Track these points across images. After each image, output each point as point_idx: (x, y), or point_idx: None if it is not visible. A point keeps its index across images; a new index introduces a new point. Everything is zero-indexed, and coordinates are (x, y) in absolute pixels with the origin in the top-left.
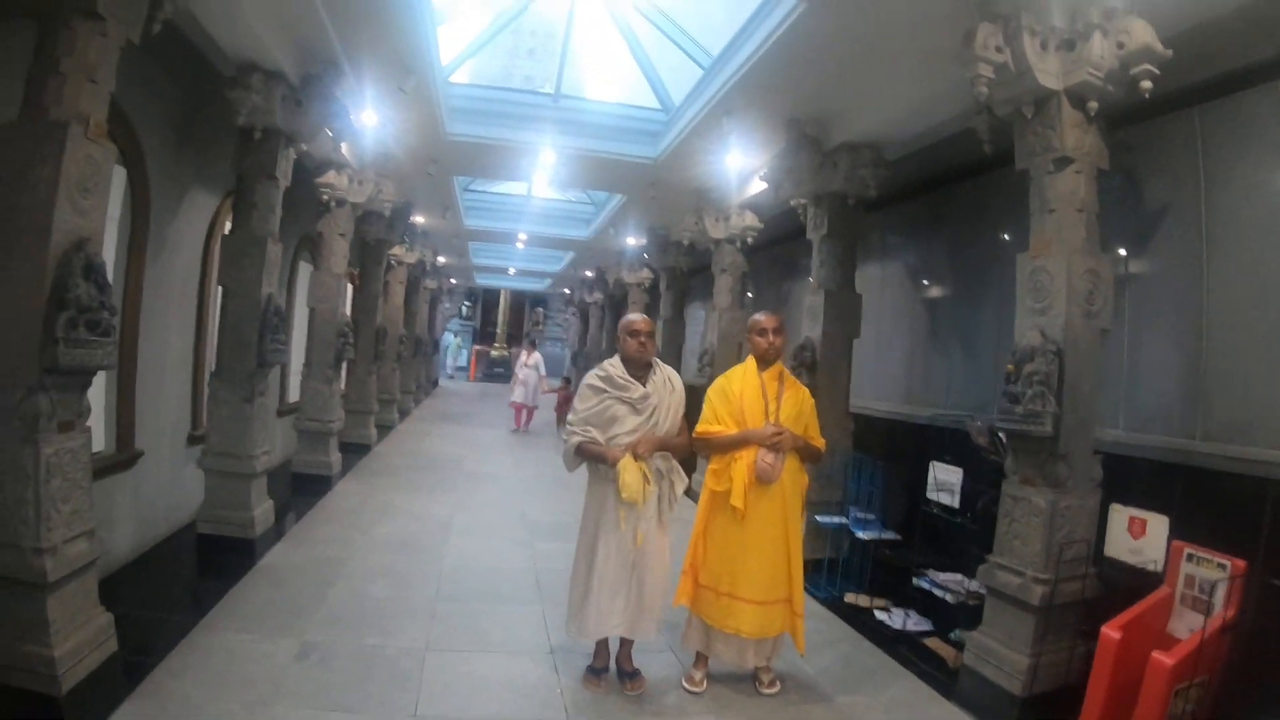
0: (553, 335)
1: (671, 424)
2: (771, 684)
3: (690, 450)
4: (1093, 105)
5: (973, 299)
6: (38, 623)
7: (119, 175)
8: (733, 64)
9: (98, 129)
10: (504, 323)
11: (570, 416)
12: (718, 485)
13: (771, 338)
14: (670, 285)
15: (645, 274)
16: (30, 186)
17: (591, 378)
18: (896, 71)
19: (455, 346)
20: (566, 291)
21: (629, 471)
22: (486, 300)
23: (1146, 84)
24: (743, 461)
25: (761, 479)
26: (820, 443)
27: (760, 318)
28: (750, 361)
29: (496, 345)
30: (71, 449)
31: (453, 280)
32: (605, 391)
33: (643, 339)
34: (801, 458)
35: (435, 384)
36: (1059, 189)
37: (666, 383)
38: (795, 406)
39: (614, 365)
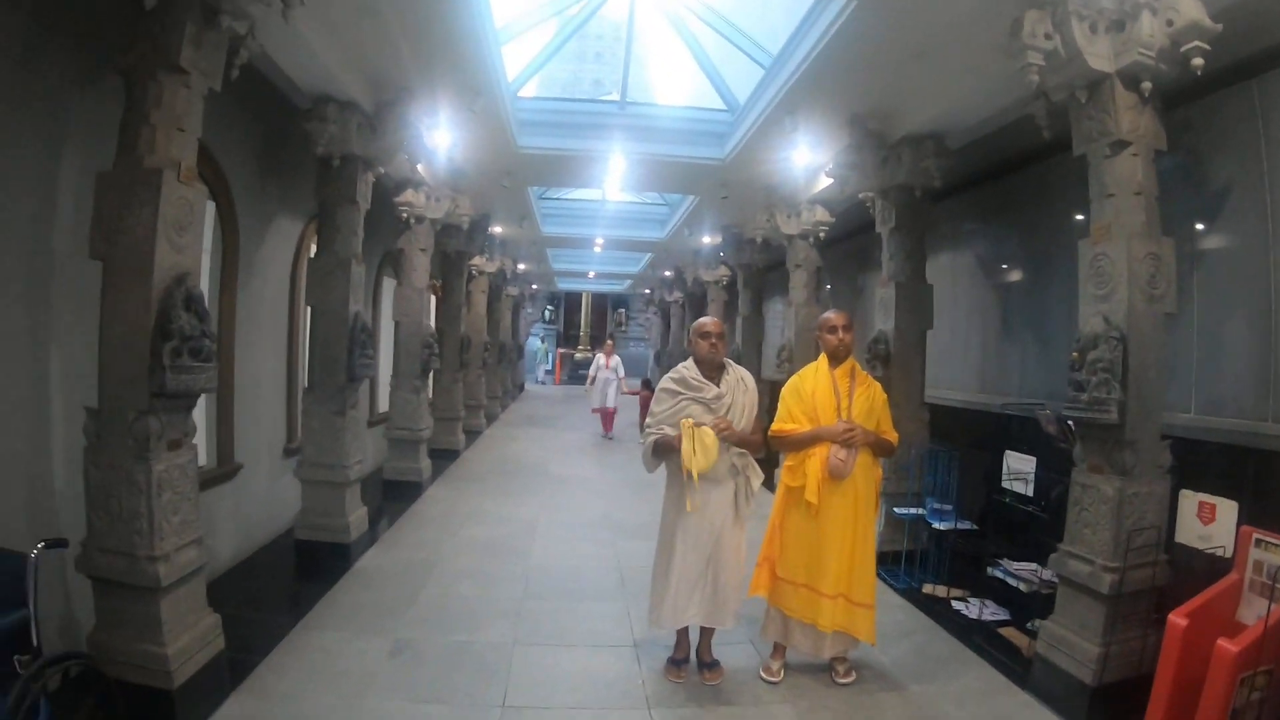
0: (635, 335)
1: (746, 422)
2: (847, 674)
3: (765, 447)
4: (1146, 86)
5: (1043, 285)
6: (152, 624)
7: (208, 208)
8: (791, 64)
9: (188, 173)
10: (587, 325)
11: (647, 419)
12: (793, 481)
13: (841, 335)
14: (747, 282)
15: (723, 271)
16: (130, 228)
17: (666, 381)
18: (952, 63)
19: (543, 352)
20: (647, 291)
21: (687, 438)
22: (569, 303)
23: (1198, 61)
24: (816, 458)
25: (834, 474)
26: (894, 437)
27: (829, 315)
28: (822, 359)
29: (581, 347)
30: (180, 465)
31: (534, 286)
32: (680, 393)
33: (714, 340)
34: (874, 452)
35: (521, 388)
36: (1116, 173)
37: (740, 383)
38: (867, 402)
39: (688, 368)
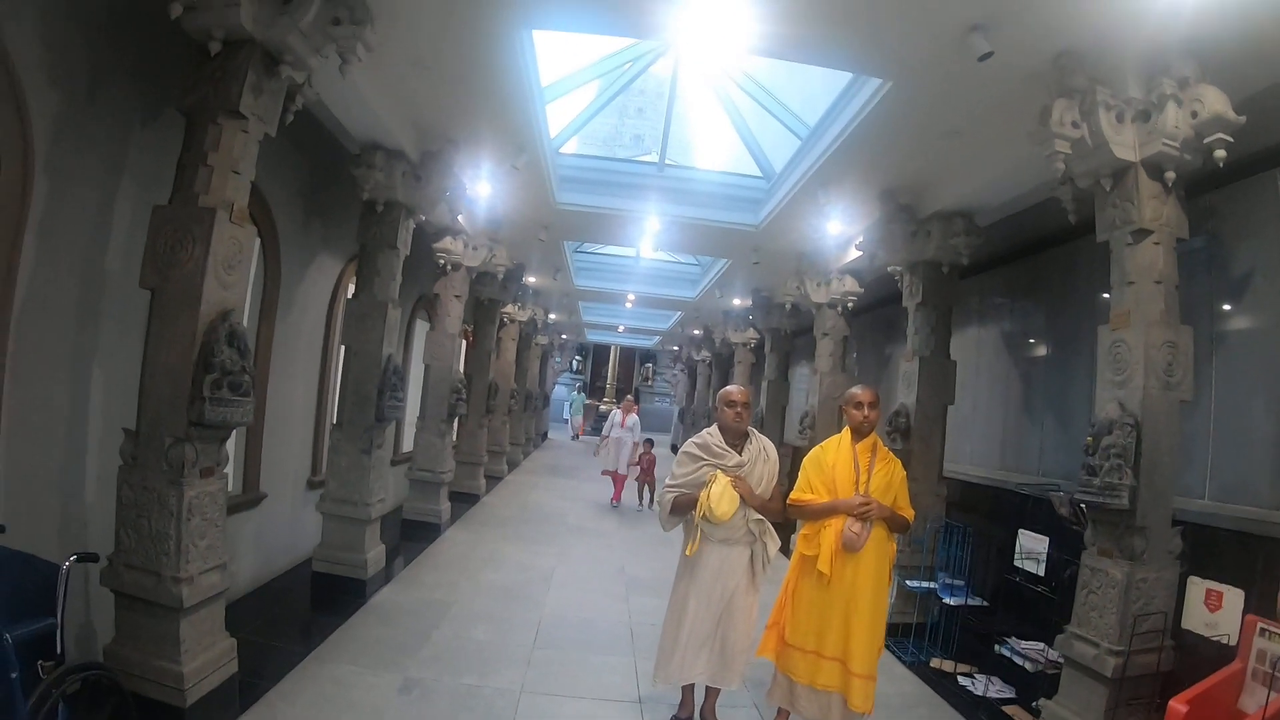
0: (661, 391)
1: (764, 490)
2: None
3: (783, 515)
4: (1170, 175)
5: (1066, 364)
6: (171, 642)
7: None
8: (826, 138)
9: (240, 214)
10: (613, 377)
11: (668, 480)
12: (808, 549)
13: (867, 411)
14: (774, 347)
15: (751, 334)
16: (182, 262)
17: (690, 446)
18: (983, 144)
19: (578, 403)
20: (675, 349)
21: (719, 483)
22: (597, 355)
23: (1221, 153)
24: (831, 529)
25: (847, 547)
26: (909, 514)
27: (857, 391)
28: (846, 432)
29: (606, 400)
30: (210, 492)
31: (564, 336)
32: (702, 459)
33: (739, 409)
34: (889, 528)
35: (544, 436)
36: (1138, 261)
37: (762, 452)
38: (885, 478)
39: (712, 434)
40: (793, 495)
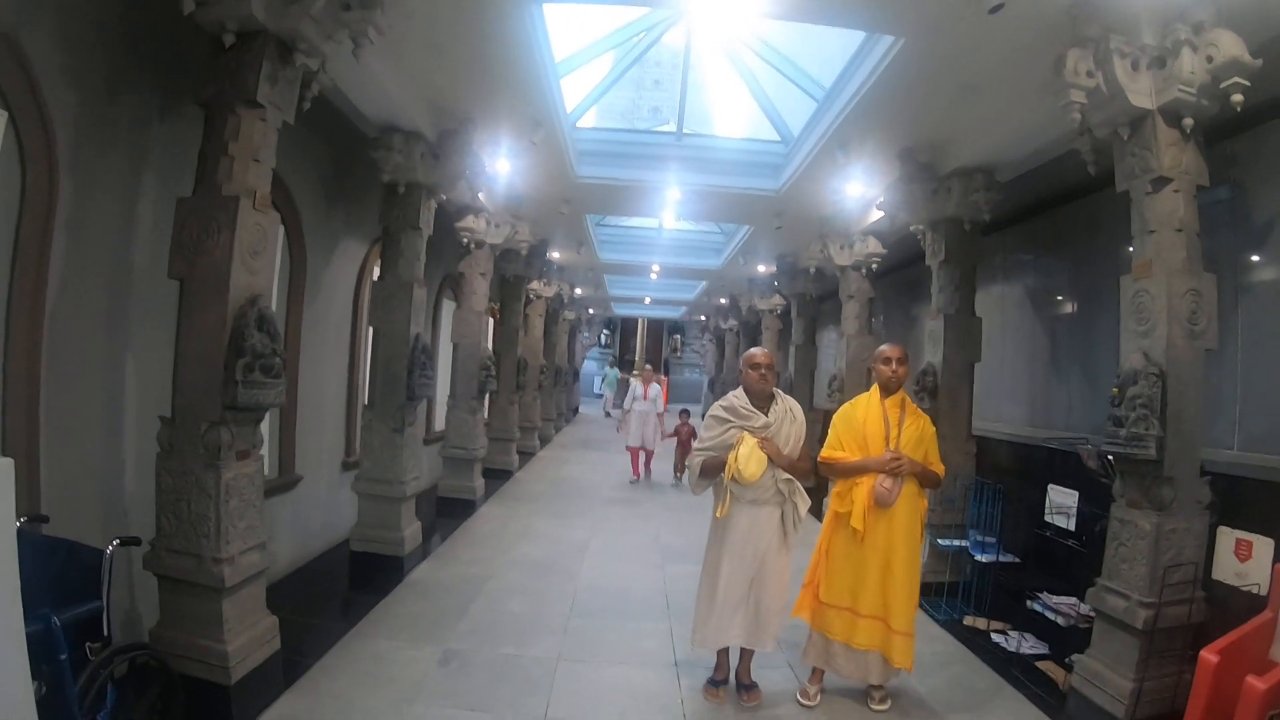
0: (690, 362)
1: (792, 450)
2: (882, 700)
3: (811, 475)
4: (1188, 122)
5: (1092, 318)
6: (214, 621)
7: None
8: (842, 98)
9: (263, 201)
10: (642, 350)
11: (695, 444)
12: (840, 506)
13: (895, 367)
14: (801, 312)
15: (777, 300)
16: (208, 251)
17: (716, 409)
18: (1000, 98)
19: (611, 378)
20: (702, 318)
21: (746, 444)
22: (625, 328)
23: (1238, 97)
24: (863, 486)
25: (879, 503)
26: (940, 469)
27: (885, 348)
28: (874, 390)
29: (636, 372)
30: (247, 474)
31: (591, 310)
32: (729, 421)
33: (763, 371)
34: (920, 483)
35: (576, 411)
36: (1158, 209)
37: (788, 413)
38: (916, 433)
39: (738, 396)
40: (823, 453)
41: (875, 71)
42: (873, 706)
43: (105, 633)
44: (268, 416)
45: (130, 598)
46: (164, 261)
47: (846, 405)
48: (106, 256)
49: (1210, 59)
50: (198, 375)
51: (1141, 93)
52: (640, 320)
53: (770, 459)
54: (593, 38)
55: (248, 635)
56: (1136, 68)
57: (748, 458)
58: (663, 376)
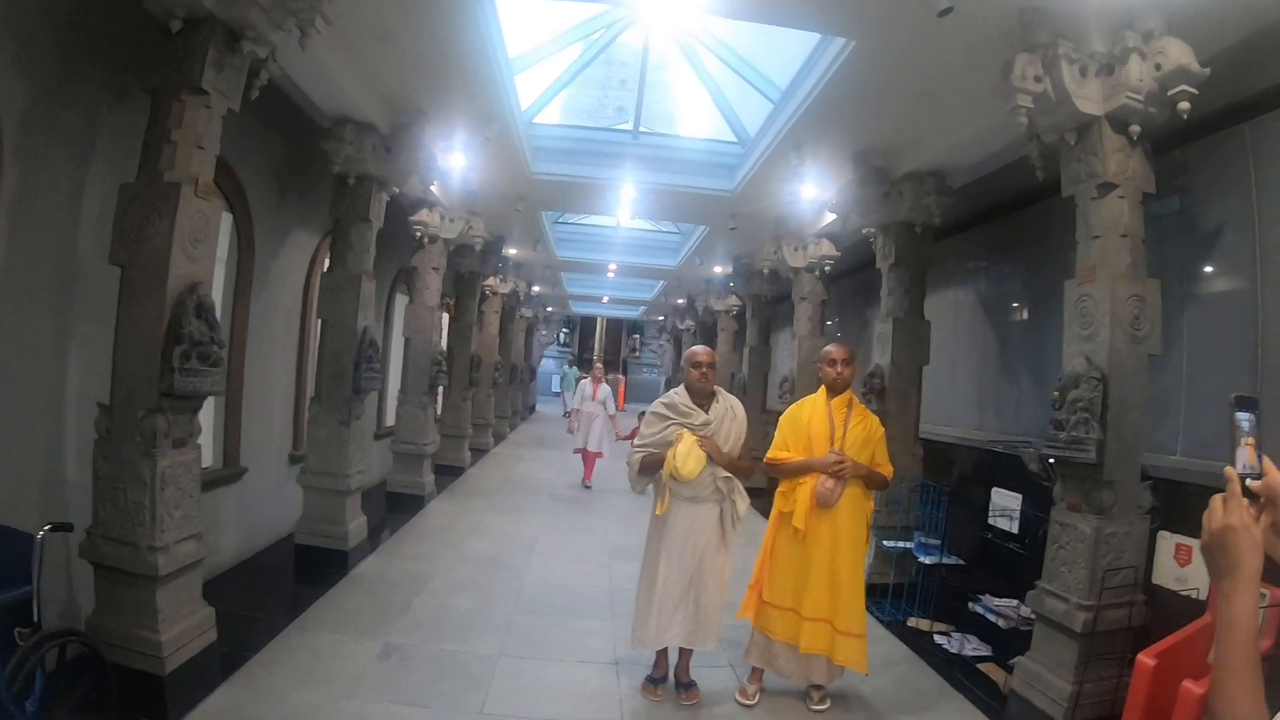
0: (648, 361)
1: (733, 449)
2: (821, 700)
3: (751, 473)
4: (1135, 129)
5: (1043, 323)
6: (148, 610)
7: (226, 220)
8: (795, 100)
9: (205, 188)
10: (600, 349)
11: (635, 441)
12: (784, 506)
13: (840, 368)
14: (755, 313)
15: (733, 301)
16: (149, 238)
17: (657, 405)
18: (952, 103)
19: (570, 377)
20: (660, 319)
21: (685, 441)
22: (584, 327)
23: (1185, 105)
24: (806, 486)
25: (821, 503)
26: (888, 471)
27: (830, 349)
28: (822, 390)
29: (598, 368)
30: (184, 462)
31: (549, 308)
32: (669, 418)
33: (704, 369)
34: (866, 485)
35: (532, 409)
36: (1103, 215)
37: (729, 411)
38: (862, 434)
39: (679, 394)
40: (769, 453)
41: (828, 73)
42: (811, 707)
43: (35, 618)
44: (211, 407)
45: (69, 586)
46: (108, 249)
47: (793, 406)
48: (52, 244)
49: (1159, 67)
50: (136, 362)
51: (1089, 99)
52: (599, 319)
53: (709, 457)
54: (551, 35)
55: (183, 625)
56: (1085, 74)
57: (686, 455)
58: (620, 376)
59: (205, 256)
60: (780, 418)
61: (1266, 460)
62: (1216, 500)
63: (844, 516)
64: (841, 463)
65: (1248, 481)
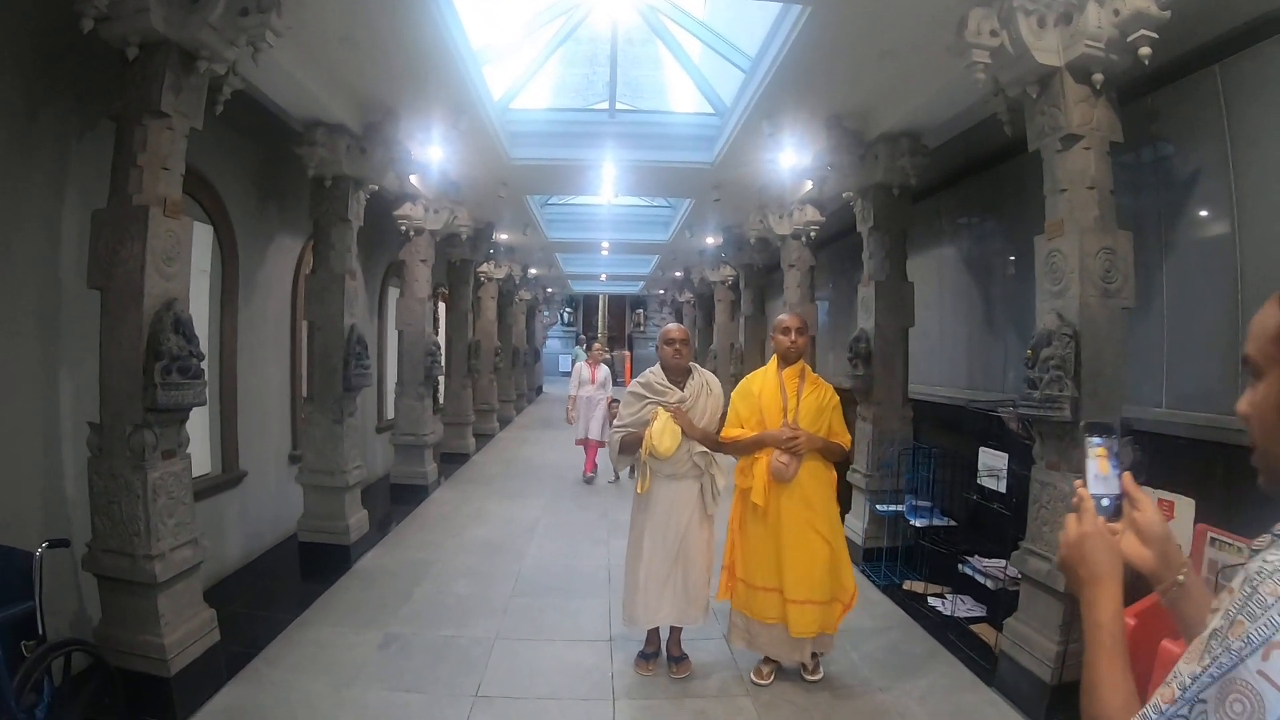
0: (652, 336)
1: (709, 423)
2: (815, 669)
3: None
4: (1098, 77)
5: (1025, 279)
6: (150, 616)
7: (207, 232)
8: (761, 69)
9: (174, 208)
10: (604, 326)
11: (615, 421)
12: (744, 482)
13: (795, 337)
14: (749, 282)
15: (728, 272)
16: (123, 260)
17: (634, 385)
18: (917, 63)
19: (580, 357)
20: (660, 292)
21: (660, 419)
22: (587, 306)
23: (1145, 50)
24: (763, 461)
25: (777, 477)
26: (845, 439)
27: (783, 317)
28: (773, 361)
29: (598, 348)
30: (174, 472)
31: (550, 290)
32: (645, 397)
33: (677, 346)
34: (824, 456)
35: (539, 391)
36: (1068, 167)
37: (704, 387)
38: (815, 404)
39: (654, 372)
40: (724, 431)
41: (789, 40)
42: (805, 676)
43: (40, 631)
44: (205, 415)
45: (78, 598)
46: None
47: (744, 380)
48: (34, 273)
49: (1117, 12)
50: (120, 381)
51: (1048, 50)
52: (601, 297)
53: (684, 432)
54: (520, 21)
55: (185, 628)
56: (1043, 25)
57: (661, 432)
58: (626, 352)
59: (179, 274)
60: (732, 394)
61: (1127, 477)
62: (1070, 517)
63: (808, 488)
64: (795, 437)
65: (1104, 502)
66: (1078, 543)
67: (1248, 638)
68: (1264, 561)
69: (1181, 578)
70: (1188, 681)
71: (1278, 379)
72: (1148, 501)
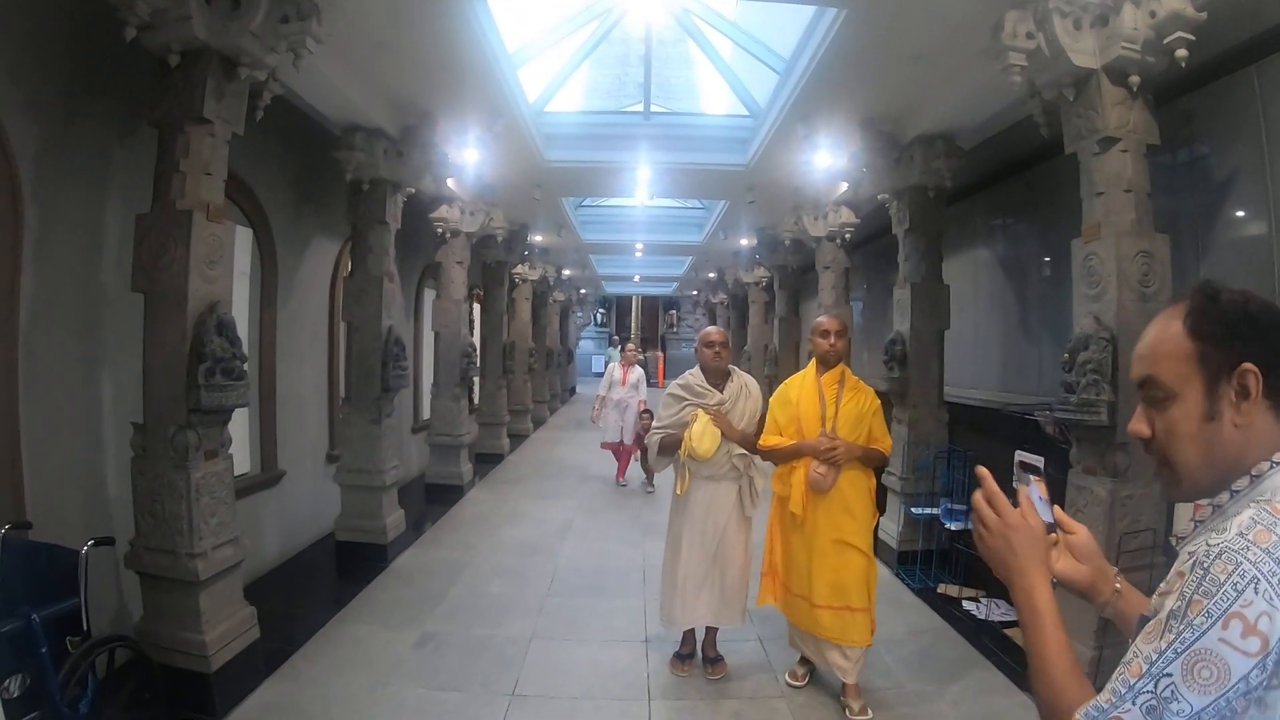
0: (686, 336)
1: (747, 426)
2: (862, 711)
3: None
4: (1134, 79)
5: (1061, 281)
6: (192, 613)
7: (247, 236)
8: (796, 72)
9: (216, 212)
10: (637, 327)
11: (654, 423)
12: (781, 490)
13: (833, 340)
14: (783, 284)
15: (762, 273)
16: (167, 264)
17: (673, 387)
18: (951, 65)
19: (615, 359)
20: (694, 293)
21: (700, 421)
22: (620, 307)
23: (1182, 52)
24: (801, 470)
25: (814, 488)
26: (885, 445)
27: (822, 320)
28: (811, 365)
29: (630, 348)
30: (216, 472)
31: (583, 291)
32: (685, 399)
33: (717, 349)
34: (864, 463)
35: (572, 391)
36: (1105, 170)
37: (743, 389)
38: (855, 410)
39: (694, 374)
40: (762, 440)
41: (824, 44)
42: (850, 717)
43: (85, 627)
44: (245, 415)
45: (119, 596)
46: (129, 277)
47: (781, 386)
48: (76, 278)
49: (1153, 14)
50: (164, 382)
51: (1084, 52)
52: (634, 298)
53: (724, 434)
54: (554, 24)
55: (225, 625)
56: (1079, 27)
57: (701, 434)
58: (659, 353)
59: (222, 277)
60: (770, 400)
61: (1057, 508)
62: (987, 513)
63: (848, 496)
64: (834, 449)
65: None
66: (1005, 535)
67: (1207, 612)
68: (1208, 545)
69: (1118, 585)
70: (1154, 656)
71: (1194, 398)
72: (1078, 525)
